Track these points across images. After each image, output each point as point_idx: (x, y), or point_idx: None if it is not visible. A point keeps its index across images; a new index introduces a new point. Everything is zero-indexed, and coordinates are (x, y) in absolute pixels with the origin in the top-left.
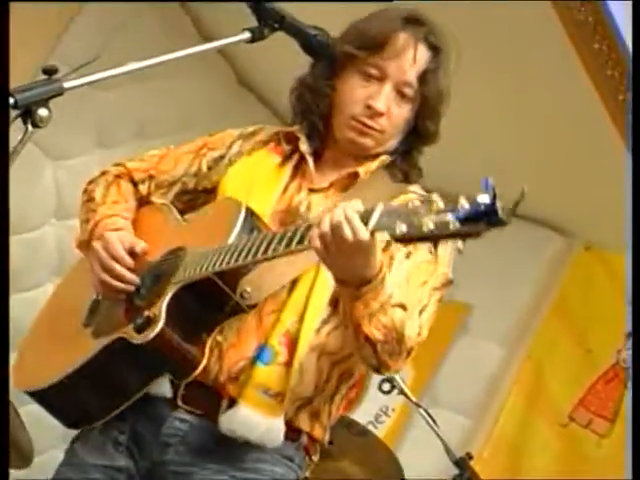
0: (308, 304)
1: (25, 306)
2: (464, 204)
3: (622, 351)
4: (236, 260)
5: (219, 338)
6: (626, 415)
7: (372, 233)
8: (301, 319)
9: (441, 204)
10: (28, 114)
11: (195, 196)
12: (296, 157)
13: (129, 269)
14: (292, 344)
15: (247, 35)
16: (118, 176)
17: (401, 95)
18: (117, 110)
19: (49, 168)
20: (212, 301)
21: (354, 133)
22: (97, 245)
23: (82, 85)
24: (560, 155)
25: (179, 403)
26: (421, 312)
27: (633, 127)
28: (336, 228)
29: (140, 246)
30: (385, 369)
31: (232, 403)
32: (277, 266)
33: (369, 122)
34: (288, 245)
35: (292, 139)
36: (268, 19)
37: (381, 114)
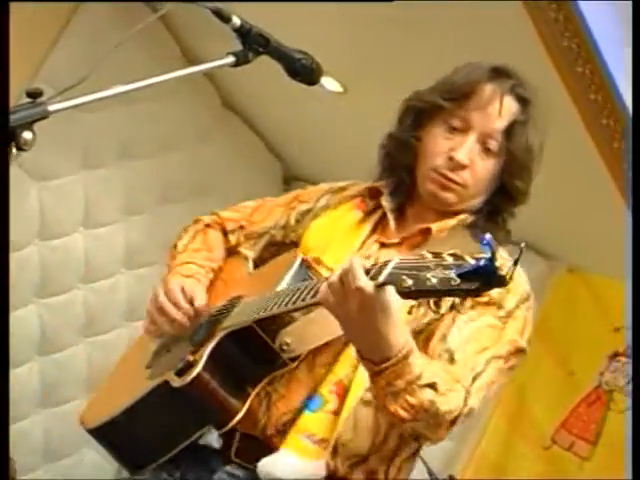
0: None
1: None
2: (469, 261)
3: (604, 373)
4: (271, 309)
5: (268, 389)
6: (611, 436)
7: (382, 285)
8: (355, 368)
9: (449, 259)
10: (12, 137)
11: (282, 248)
12: (379, 213)
13: (183, 314)
14: (343, 393)
15: (231, 59)
16: (208, 225)
17: (486, 149)
18: (102, 131)
19: (34, 189)
20: (255, 352)
21: (435, 186)
22: (159, 290)
23: (67, 108)
24: (543, 179)
25: (232, 456)
26: (474, 379)
27: (633, 146)
28: (343, 276)
29: (199, 301)
30: (425, 440)
31: None
32: (322, 319)
33: (450, 175)
34: (304, 299)
35: (376, 194)
36: (253, 43)
37: (463, 166)
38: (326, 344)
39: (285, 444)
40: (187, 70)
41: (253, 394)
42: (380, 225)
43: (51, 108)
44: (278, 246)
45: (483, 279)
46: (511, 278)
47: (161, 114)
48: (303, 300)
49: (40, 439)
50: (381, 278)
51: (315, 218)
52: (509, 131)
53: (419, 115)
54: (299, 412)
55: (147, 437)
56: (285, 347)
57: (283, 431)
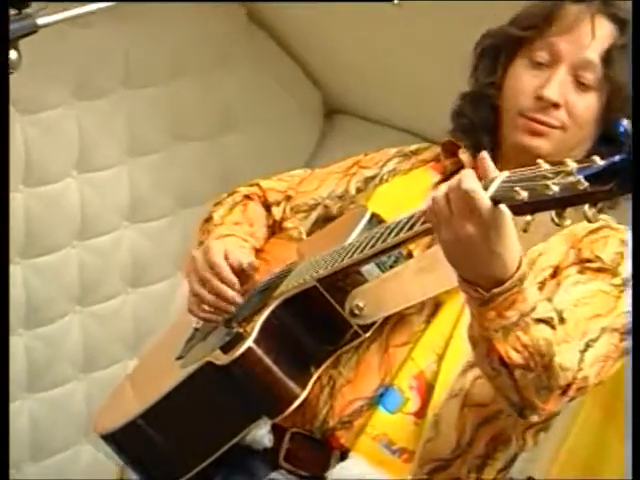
0: (451, 340)
1: None
2: (597, 162)
3: None
4: (342, 260)
5: (332, 372)
6: None
7: (493, 202)
8: (440, 359)
9: (572, 165)
10: None
11: None
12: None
13: (231, 286)
14: (427, 391)
15: None
16: (248, 196)
17: (581, 83)
18: (99, 52)
19: (17, 124)
20: (320, 320)
21: (524, 133)
22: (196, 253)
23: (59, 21)
24: None
25: (281, 461)
26: (586, 347)
27: (633, 131)
28: (451, 192)
29: (248, 261)
30: (531, 409)
31: (344, 456)
32: (403, 281)
33: (541, 117)
34: (398, 233)
35: (452, 150)
36: None
37: (555, 105)
38: (403, 319)
39: (357, 449)
40: None
41: (316, 375)
42: None
43: (40, 21)
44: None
45: (619, 179)
46: None
47: (171, 30)
48: (389, 238)
49: (26, 431)
50: (488, 193)
51: (380, 184)
52: (607, 59)
53: (495, 57)
54: (370, 405)
55: (181, 439)
56: (357, 311)
57: (349, 424)
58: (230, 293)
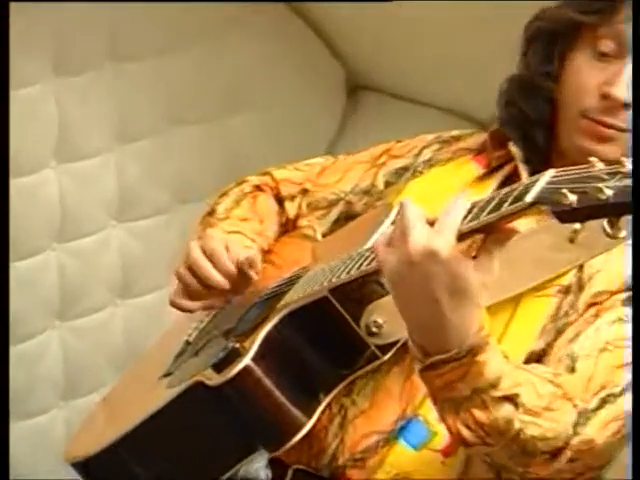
0: None
1: None
2: None
3: None
4: (357, 268)
5: (345, 400)
6: None
7: (532, 205)
8: None
9: (629, 166)
10: None
11: None
12: (508, 167)
13: (224, 273)
14: None
15: None
16: (258, 187)
17: None
18: (83, 20)
19: None
20: (332, 340)
21: (588, 139)
22: (192, 243)
23: None
24: None
25: None
26: (600, 404)
27: (633, 146)
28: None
29: (245, 256)
30: (509, 472)
31: None
32: None
33: (608, 119)
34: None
35: (500, 140)
36: None
37: (625, 105)
38: None
39: None
40: None
41: (325, 402)
42: (511, 183)
43: None
44: None
45: None
46: None
47: None
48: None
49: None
50: (529, 197)
51: (414, 177)
52: None
53: (550, 43)
54: (388, 440)
55: (163, 471)
56: (374, 329)
57: (362, 462)
58: (220, 279)
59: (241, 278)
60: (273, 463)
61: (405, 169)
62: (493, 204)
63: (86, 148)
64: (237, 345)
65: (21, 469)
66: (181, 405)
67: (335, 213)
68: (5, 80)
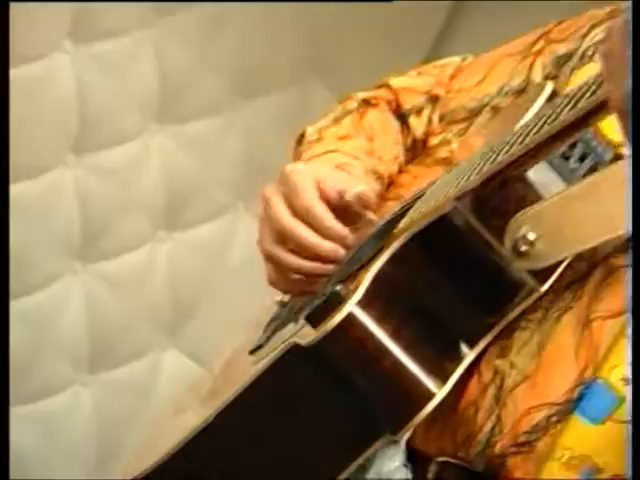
0: None
1: None
2: None
3: None
4: (493, 160)
5: (499, 363)
6: None
7: None
8: None
9: None
10: None
11: None
12: None
13: (328, 232)
14: None
15: None
16: (368, 102)
17: None
18: None
19: None
20: (468, 269)
21: None
22: (268, 192)
23: None
24: None
25: None
26: None
27: (633, 146)
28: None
29: (356, 191)
30: None
31: None
32: (602, 200)
33: None
34: (576, 104)
35: None
36: None
37: None
38: (612, 270)
39: None
40: None
41: (469, 359)
42: None
43: None
44: None
45: None
46: None
47: None
48: (562, 114)
49: None
50: None
51: (582, 66)
52: None
53: None
54: (563, 414)
55: (257, 470)
56: (524, 247)
57: (529, 447)
58: (326, 245)
59: (347, 219)
60: (413, 458)
61: (569, 56)
62: None
63: (122, 134)
64: (338, 287)
65: (31, 467)
66: (269, 381)
67: (478, 125)
68: (5, 80)
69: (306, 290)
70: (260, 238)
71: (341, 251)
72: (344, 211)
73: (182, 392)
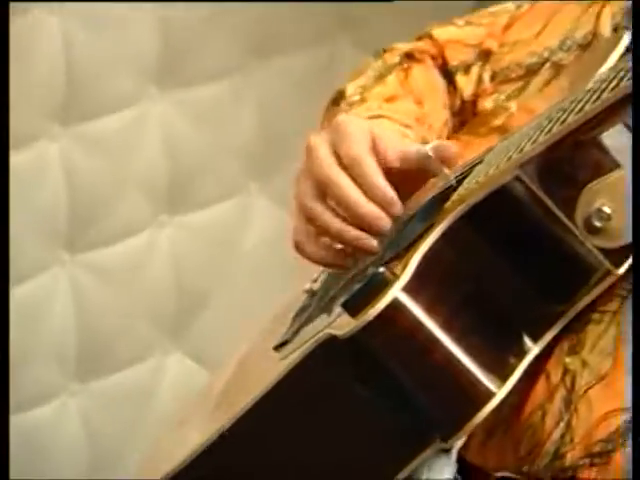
0: None
1: None
2: None
3: None
4: (562, 121)
5: (569, 360)
6: None
7: None
8: None
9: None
10: None
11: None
12: None
13: (381, 200)
14: None
15: None
16: (412, 57)
17: None
18: None
19: None
20: (532, 248)
21: None
22: (315, 140)
23: None
24: None
25: None
26: None
27: (633, 146)
28: None
29: (417, 148)
30: None
31: None
32: None
33: None
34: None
35: None
36: None
37: None
38: None
39: None
40: None
41: (532, 354)
42: None
43: None
44: None
45: None
46: None
47: None
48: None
49: None
50: None
51: None
52: None
53: None
54: None
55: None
56: (598, 222)
57: (602, 459)
58: (369, 207)
59: (404, 189)
60: (465, 472)
61: None
62: None
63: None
64: (381, 269)
65: None
66: (300, 379)
67: (538, 84)
68: (5, 80)
69: (337, 264)
70: (298, 191)
71: (385, 219)
72: (399, 179)
73: (188, 402)
